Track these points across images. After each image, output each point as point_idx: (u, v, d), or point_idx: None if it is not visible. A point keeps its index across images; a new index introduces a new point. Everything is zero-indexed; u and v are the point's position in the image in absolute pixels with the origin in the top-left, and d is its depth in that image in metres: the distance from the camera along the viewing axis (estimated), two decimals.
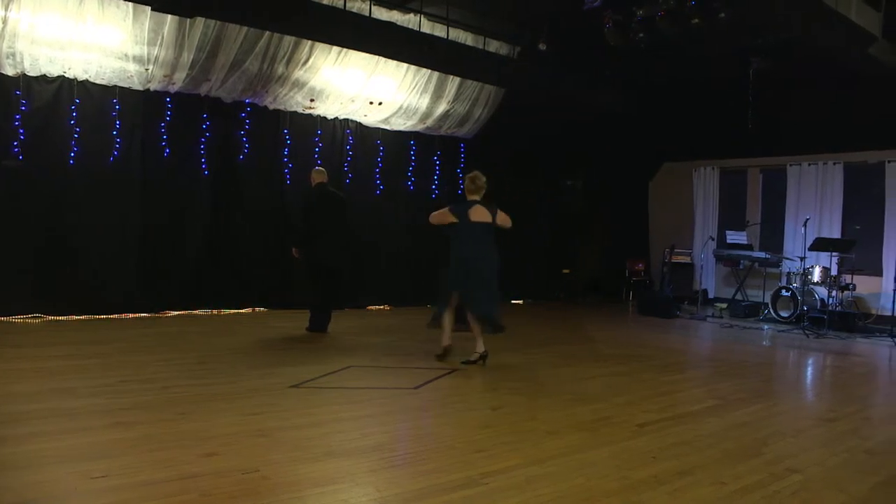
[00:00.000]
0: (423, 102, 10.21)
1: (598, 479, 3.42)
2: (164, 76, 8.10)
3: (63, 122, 7.77)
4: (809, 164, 11.21)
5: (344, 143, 10.09)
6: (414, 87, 9.93)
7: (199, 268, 8.79)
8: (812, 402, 5.82)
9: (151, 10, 7.16)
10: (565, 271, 12.83)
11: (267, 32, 8.14)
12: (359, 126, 10.21)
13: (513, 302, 12.04)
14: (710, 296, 12.25)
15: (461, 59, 9.24)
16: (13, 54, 7.22)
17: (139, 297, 8.31)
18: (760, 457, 3.89)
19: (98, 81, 7.90)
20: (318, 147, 9.78)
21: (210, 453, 3.51)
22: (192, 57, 7.99)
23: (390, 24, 8.50)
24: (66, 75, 7.70)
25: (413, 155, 10.89)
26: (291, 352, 6.56)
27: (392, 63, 9.27)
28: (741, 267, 11.50)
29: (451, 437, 4.06)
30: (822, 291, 10.16)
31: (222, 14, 7.37)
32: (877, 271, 10.27)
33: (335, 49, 8.78)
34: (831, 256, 9.75)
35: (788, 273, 10.71)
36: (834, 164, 10.95)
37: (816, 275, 9.90)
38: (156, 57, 7.85)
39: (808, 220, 10.22)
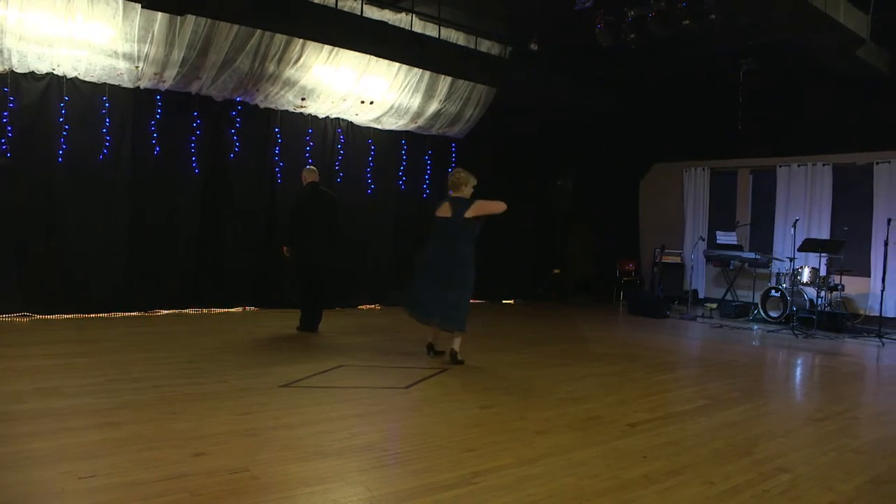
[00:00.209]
0: (415, 102, 10.20)
1: (588, 478, 3.43)
2: (155, 74, 8.05)
3: (52, 120, 7.70)
4: (799, 166, 11.28)
5: (335, 142, 10.06)
6: (405, 87, 9.91)
7: (189, 266, 8.74)
8: (801, 402, 5.86)
9: (142, 7, 7.11)
10: (556, 271, 12.84)
11: (258, 31, 8.11)
12: (350, 125, 10.18)
13: (503, 302, 12.07)
14: (701, 296, 12.30)
15: (453, 59, 9.24)
16: (1, 51, 7.14)
17: (128, 295, 8.25)
18: (750, 456, 3.92)
19: (87, 79, 7.84)
20: (310, 146, 9.74)
21: (199, 453, 3.49)
22: (182, 55, 7.94)
23: (382, 23, 8.50)
24: (55, 72, 7.64)
25: (404, 154, 10.89)
26: (282, 351, 6.53)
27: (384, 62, 9.26)
28: (731, 267, 11.54)
29: (442, 436, 4.05)
30: (811, 292, 10.23)
31: (213, 12, 7.34)
32: (865, 272, 10.34)
33: (327, 48, 8.75)
34: (820, 257, 9.83)
35: (778, 273, 10.78)
36: (823, 165, 11.02)
37: (805, 275, 9.98)
38: (146, 55, 7.79)
39: (797, 220, 10.29)
